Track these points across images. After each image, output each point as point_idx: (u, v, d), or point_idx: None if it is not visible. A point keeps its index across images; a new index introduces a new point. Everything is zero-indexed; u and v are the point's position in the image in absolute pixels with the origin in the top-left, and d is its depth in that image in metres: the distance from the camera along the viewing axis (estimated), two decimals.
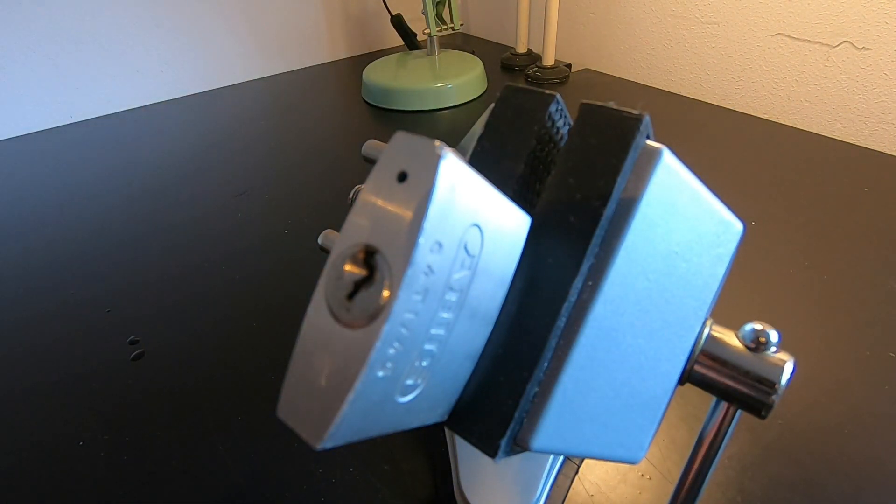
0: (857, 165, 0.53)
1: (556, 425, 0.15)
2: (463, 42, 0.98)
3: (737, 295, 0.38)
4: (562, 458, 0.25)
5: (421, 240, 0.12)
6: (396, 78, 0.73)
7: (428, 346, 0.13)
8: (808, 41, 0.59)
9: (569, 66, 0.78)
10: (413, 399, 0.14)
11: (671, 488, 0.21)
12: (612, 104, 0.16)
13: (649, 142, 0.16)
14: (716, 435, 0.19)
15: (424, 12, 0.74)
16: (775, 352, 0.18)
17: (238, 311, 0.40)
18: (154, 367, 0.36)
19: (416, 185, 0.12)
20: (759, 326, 0.18)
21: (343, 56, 0.94)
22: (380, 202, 0.12)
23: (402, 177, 0.12)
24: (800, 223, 0.45)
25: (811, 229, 0.44)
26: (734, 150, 0.57)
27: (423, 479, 0.28)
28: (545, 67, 0.76)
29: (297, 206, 0.52)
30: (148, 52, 0.76)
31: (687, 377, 0.19)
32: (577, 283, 0.15)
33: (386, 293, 0.12)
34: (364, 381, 0.12)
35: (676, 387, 0.19)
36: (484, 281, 0.14)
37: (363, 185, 0.13)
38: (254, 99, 0.79)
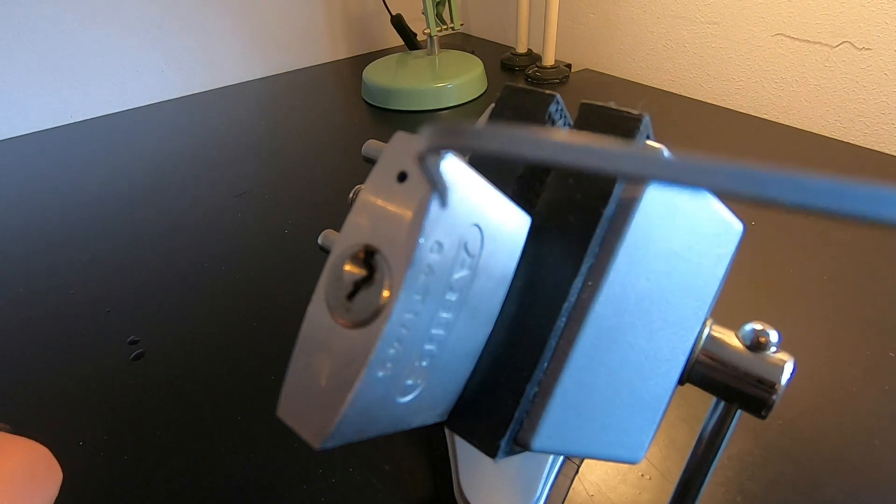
0: (857, 165, 0.53)
1: (556, 425, 0.15)
2: (463, 42, 0.98)
3: (737, 295, 0.38)
4: (562, 458, 0.25)
5: (421, 240, 0.12)
6: (396, 78, 0.73)
7: (428, 346, 0.13)
8: (808, 41, 0.59)
9: (569, 66, 0.78)
10: (413, 399, 0.14)
11: (671, 488, 0.21)
12: (612, 104, 0.16)
13: (649, 142, 0.16)
14: (716, 435, 0.19)
15: (424, 12, 0.74)
16: (775, 352, 0.18)
17: (238, 311, 0.40)
18: (154, 367, 0.36)
19: (416, 185, 0.12)
20: (759, 326, 0.18)
21: (343, 56, 0.94)
22: (380, 202, 0.12)
23: (402, 177, 0.12)
24: (799, 223, 0.45)
25: (811, 229, 0.44)
26: (734, 150, 0.57)
27: (423, 479, 0.28)
28: (545, 67, 0.76)
29: (297, 206, 0.52)
30: (148, 52, 0.76)
31: (687, 377, 0.19)
32: (577, 282, 0.15)
33: (386, 293, 0.12)
34: (364, 381, 0.12)
35: (676, 387, 0.19)
36: (484, 281, 0.14)
37: (363, 185, 0.13)
38: (254, 99, 0.79)
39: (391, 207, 0.12)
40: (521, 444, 0.15)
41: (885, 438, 0.29)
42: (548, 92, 0.17)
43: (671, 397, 0.19)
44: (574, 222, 0.15)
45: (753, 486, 0.27)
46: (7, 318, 0.40)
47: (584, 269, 0.15)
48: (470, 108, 0.72)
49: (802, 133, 0.59)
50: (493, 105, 0.18)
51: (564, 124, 0.19)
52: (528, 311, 0.15)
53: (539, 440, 0.15)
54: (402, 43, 0.84)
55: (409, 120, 0.70)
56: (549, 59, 0.76)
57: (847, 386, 0.32)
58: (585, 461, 0.28)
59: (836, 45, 0.57)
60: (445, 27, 0.78)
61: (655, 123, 0.17)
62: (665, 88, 0.74)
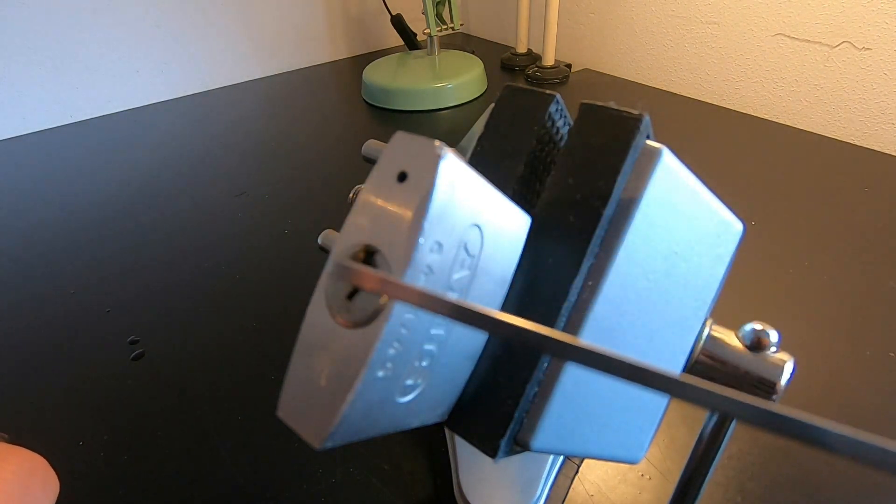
0: (857, 165, 0.53)
1: (555, 425, 0.15)
2: (463, 42, 0.98)
3: (737, 295, 0.38)
4: (562, 458, 0.25)
5: (421, 240, 0.12)
6: (396, 78, 0.73)
7: (428, 347, 0.13)
8: (808, 41, 0.59)
9: (569, 66, 0.78)
10: (413, 399, 0.14)
11: (671, 488, 0.21)
12: (612, 104, 0.16)
13: (649, 142, 0.16)
14: (716, 435, 0.19)
15: (424, 12, 0.74)
16: (775, 352, 0.18)
17: (238, 311, 0.40)
18: (154, 367, 0.36)
19: (416, 185, 0.12)
20: (759, 326, 0.18)
21: (343, 56, 0.94)
22: (380, 202, 0.12)
23: (402, 177, 0.12)
24: (800, 223, 0.45)
25: (811, 229, 0.44)
26: (734, 150, 0.57)
27: (423, 479, 0.28)
28: (545, 67, 0.76)
29: (296, 207, 0.52)
30: (148, 52, 0.75)
31: None
32: (577, 282, 0.15)
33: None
34: (364, 381, 0.12)
35: None
36: (484, 281, 0.14)
37: (363, 185, 0.13)
38: (253, 99, 0.79)
39: (391, 207, 0.12)
40: (520, 444, 0.15)
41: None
42: (548, 92, 0.17)
43: (671, 398, 0.19)
44: (574, 222, 0.15)
45: (753, 486, 0.27)
46: (6, 318, 0.40)
47: (584, 269, 0.15)
48: (470, 108, 0.72)
49: (802, 133, 0.59)
50: (492, 105, 0.18)
51: (564, 124, 0.19)
52: (528, 311, 0.15)
53: (539, 440, 0.15)
54: (402, 43, 0.84)
55: (409, 120, 0.70)
56: (549, 59, 0.76)
57: (847, 386, 0.32)
58: (585, 461, 0.28)
59: (836, 45, 0.57)
60: (445, 27, 0.78)
61: (655, 123, 0.17)
62: (665, 88, 0.74)
